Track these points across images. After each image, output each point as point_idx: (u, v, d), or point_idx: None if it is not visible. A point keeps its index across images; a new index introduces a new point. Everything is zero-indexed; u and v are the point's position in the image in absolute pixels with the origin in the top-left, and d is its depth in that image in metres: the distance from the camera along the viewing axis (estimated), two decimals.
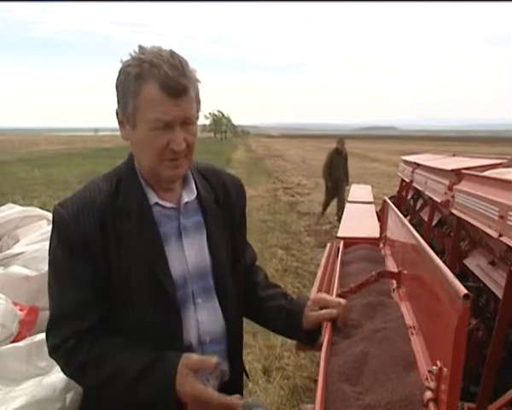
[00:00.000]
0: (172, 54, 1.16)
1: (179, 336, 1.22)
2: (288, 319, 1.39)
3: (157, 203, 1.24)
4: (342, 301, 1.37)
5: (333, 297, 1.43)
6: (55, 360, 1.23)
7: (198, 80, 1.21)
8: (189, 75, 1.17)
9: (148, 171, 1.22)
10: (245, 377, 1.45)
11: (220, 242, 1.32)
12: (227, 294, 1.32)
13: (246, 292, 1.41)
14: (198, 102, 1.22)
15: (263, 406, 1.13)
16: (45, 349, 1.49)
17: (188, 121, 1.18)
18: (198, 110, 1.23)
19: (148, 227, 1.22)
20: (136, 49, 1.18)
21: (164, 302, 1.20)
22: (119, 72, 1.19)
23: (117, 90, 1.20)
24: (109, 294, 1.18)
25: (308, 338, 1.38)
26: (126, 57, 1.19)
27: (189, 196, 1.29)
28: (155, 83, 1.13)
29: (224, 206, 1.36)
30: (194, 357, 1.15)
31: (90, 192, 1.22)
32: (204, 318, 1.27)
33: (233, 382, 1.35)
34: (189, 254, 1.26)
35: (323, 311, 1.34)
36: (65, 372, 1.22)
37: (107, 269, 1.17)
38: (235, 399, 1.13)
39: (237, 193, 1.43)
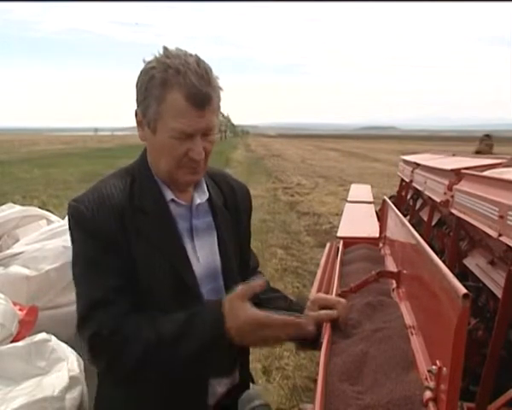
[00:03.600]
0: (198, 61, 1.16)
1: None
2: None
3: (173, 200, 1.25)
4: (342, 299, 1.36)
5: (332, 296, 1.43)
6: (93, 350, 1.17)
7: (221, 88, 1.21)
8: (213, 84, 1.17)
9: (165, 175, 1.23)
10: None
11: (229, 244, 1.34)
12: None
13: None
14: (218, 109, 1.22)
15: (264, 398, 1.13)
16: (45, 349, 1.49)
17: (208, 131, 1.19)
18: (218, 117, 1.23)
19: (167, 223, 1.23)
20: (161, 51, 1.17)
21: (185, 297, 1.21)
22: (142, 72, 1.18)
23: (138, 90, 1.20)
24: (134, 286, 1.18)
25: (307, 340, 1.38)
26: (149, 57, 1.18)
27: (201, 197, 1.31)
28: (181, 92, 1.13)
29: (232, 210, 1.38)
30: (239, 289, 1.13)
31: (107, 189, 1.21)
32: None
33: (241, 385, 1.35)
34: (200, 255, 1.27)
35: (322, 312, 1.33)
36: (107, 359, 1.16)
37: (130, 263, 1.18)
38: (298, 318, 1.10)
39: (244, 198, 1.45)
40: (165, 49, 1.18)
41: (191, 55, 1.17)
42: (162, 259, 1.20)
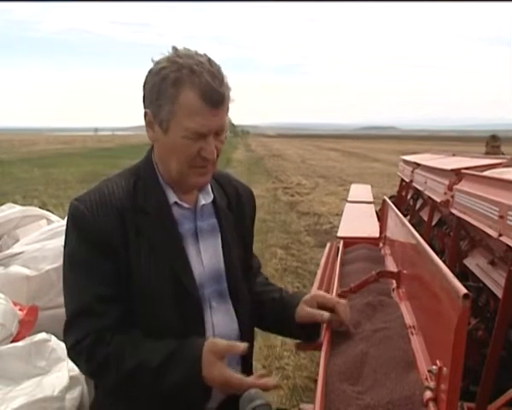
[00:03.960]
0: (210, 60, 1.16)
1: (201, 336, 1.21)
2: (280, 313, 1.38)
3: (176, 203, 1.24)
4: (342, 300, 1.36)
5: (332, 296, 1.42)
6: (74, 358, 1.19)
7: (230, 88, 1.20)
8: (225, 84, 1.17)
9: (175, 176, 1.21)
10: None
11: (233, 246, 1.33)
12: (241, 298, 1.32)
13: None
14: (228, 109, 1.21)
15: (264, 398, 1.13)
16: (45, 349, 1.49)
17: (221, 131, 1.19)
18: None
19: (168, 226, 1.22)
20: (170, 50, 1.17)
21: (184, 301, 1.20)
22: (152, 72, 1.17)
23: (148, 91, 1.18)
24: (130, 291, 1.17)
25: (302, 334, 1.37)
26: (157, 57, 1.17)
27: (206, 198, 1.30)
28: (195, 91, 1.12)
29: (236, 212, 1.37)
30: (220, 343, 1.14)
31: (108, 189, 1.20)
32: (219, 321, 1.26)
33: None
34: (204, 256, 1.27)
35: (318, 311, 1.32)
36: (86, 370, 1.19)
37: (128, 266, 1.16)
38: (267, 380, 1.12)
39: (248, 201, 1.44)
40: (175, 49, 1.17)
41: (201, 54, 1.17)
42: (162, 261, 1.19)
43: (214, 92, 1.13)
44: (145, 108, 1.20)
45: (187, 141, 1.15)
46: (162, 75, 1.14)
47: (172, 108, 1.14)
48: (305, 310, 1.33)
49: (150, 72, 1.18)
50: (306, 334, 1.36)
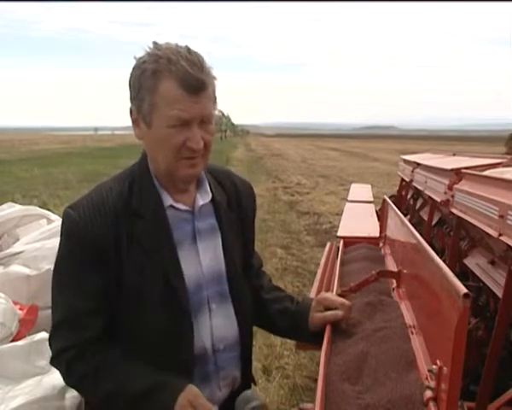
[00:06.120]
0: (189, 50, 1.15)
1: (190, 343, 1.19)
2: (293, 322, 1.38)
3: (171, 206, 1.22)
4: (346, 301, 1.35)
5: (336, 297, 1.41)
6: (56, 367, 1.21)
7: (214, 77, 1.19)
8: (206, 71, 1.15)
9: (164, 170, 1.19)
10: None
11: (234, 246, 1.31)
12: (241, 299, 1.30)
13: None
14: (214, 99, 1.20)
15: (261, 399, 1.13)
16: (45, 349, 1.49)
17: (205, 119, 1.16)
18: (215, 108, 1.21)
19: (162, 230, 1.19)
20: (151, 46, 1.16)
21: (175, 307, 1.18)
22: (134, 68, 1.16)
23: (131, 88, 1.17)
24: (119, 299, 1.16)
25: (313, 339, 1.37)
26: (140, 54, 1.16)
27: (204, 198, 1.27)
28: (174, 79, 1.11)
29: (236, 209, 1.35)
30: (199, 395, 1.11)
31: (102, 194, 1.19)
32: (218, 324, 1.25)
33: (243, 388, 1.32)
34: (203, 258, 1.25)
35: (328, 312, 1.33)
36: (65, 381, 1.21)
37: (119, 271, 1.15)
38: None
39: (248, 197, 1.42)
40: (155, 43, 1.17)
41: (181, 46, 1.16)
42: (155, 266, 1.17)
43: (192, 78, 1.11)
44: (131, 104, 1.19)
45: (171, 131, 1.13)
46: (142, 69, 1.14)
47: (153, 100, 1.13)
48: (316, 316, 1.34)
49: (133, 68, 1.17)
50: (317, 338, 1.36)
